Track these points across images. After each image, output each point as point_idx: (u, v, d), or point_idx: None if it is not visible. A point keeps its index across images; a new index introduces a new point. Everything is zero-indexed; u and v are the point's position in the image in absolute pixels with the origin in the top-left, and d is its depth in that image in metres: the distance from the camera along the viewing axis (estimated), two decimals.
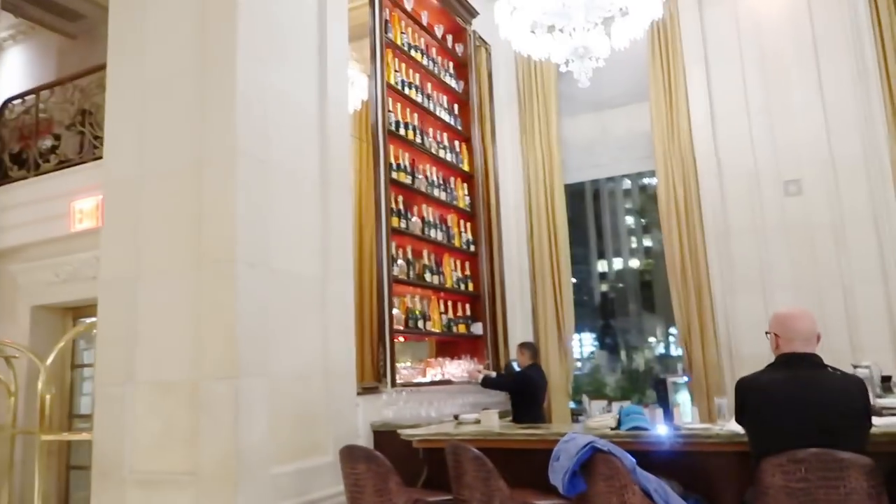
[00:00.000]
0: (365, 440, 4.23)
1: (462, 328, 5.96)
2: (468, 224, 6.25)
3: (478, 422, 3.98)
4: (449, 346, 6.04)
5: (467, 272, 6.13)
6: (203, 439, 3.16)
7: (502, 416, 4.66)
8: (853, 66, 5.77)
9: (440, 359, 5.71)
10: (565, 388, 6.54)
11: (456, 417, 4.32)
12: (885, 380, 4.45)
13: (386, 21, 5.35)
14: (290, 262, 3.60)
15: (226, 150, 3.33)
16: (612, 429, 3.19)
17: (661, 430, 3.08)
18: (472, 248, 6.22)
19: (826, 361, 2.55)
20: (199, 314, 3.28)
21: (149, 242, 3.50)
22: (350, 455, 3.19)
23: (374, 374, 4.58)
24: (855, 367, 4.43)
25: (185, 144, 3.47)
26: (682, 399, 4.21)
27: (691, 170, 6.23)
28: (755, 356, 5.62)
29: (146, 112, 3.63)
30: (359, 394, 4.27)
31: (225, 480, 3.07)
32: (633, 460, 2.69)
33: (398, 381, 4.79)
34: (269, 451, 3.26)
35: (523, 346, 5.58)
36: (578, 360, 8.21)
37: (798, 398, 2.37)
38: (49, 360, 3.81)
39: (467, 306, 6.13)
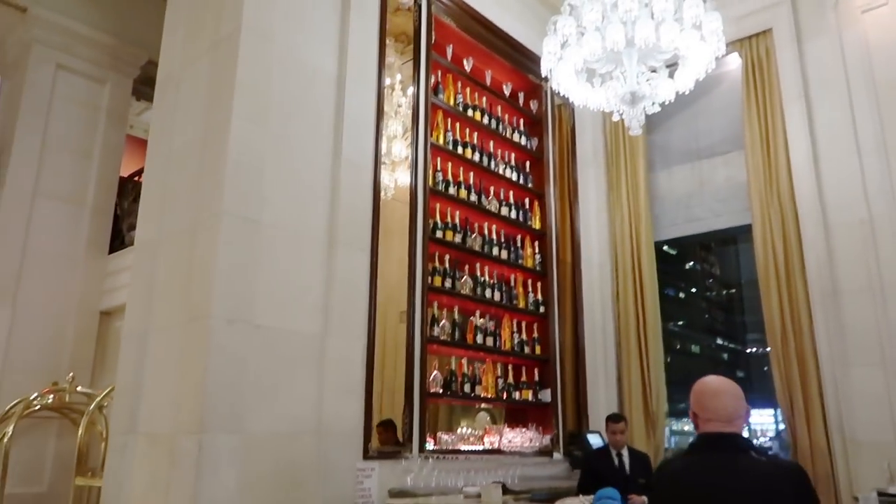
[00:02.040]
0: None
1: (526, 394, 5.61)
2: (538, 284, 5.95)
3: (478, 496, 3.66)
4: (516, 413, 5.71)
5: (535, 335, 5.80)
6: (172, 493, 3.23)
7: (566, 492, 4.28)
8: None
9: (497, 426, 5.40)
10: (655, 464, 5.83)
11: (461, 491, 4.02)
12: None
13: (438, 83, 5.42)
14: (281, 319, 3.65)
15: (213, 213, 3.51)
16: None
17: None
18: (542, 309, 5.90)
19: None
20: (181, 369, 3.42)
21: (157, 299, 3.76)
22: None
23: (399, 438, 4.42)
24: None
25: (188, 208, 3.72)
26: None
27: (791, 220, 5.45)
28: (875, 444, 4.73)
29: (167, 180, 3.96)
30: (373, 458, 4.15)
31: None
32: None
33: (429, 448, 4.58)
34: None
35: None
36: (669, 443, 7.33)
37: (710, 488, 1.88)
38: None
39: (535, 371, 5.77)
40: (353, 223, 4.13)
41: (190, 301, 3.49)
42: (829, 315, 5.14)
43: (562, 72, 4.75)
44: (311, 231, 3.90)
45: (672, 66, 4.61)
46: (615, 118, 4.75)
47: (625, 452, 4.82)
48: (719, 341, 20.00)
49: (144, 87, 7.16)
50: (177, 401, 3.37)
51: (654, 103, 4.64)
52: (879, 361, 4.88)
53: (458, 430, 5.24)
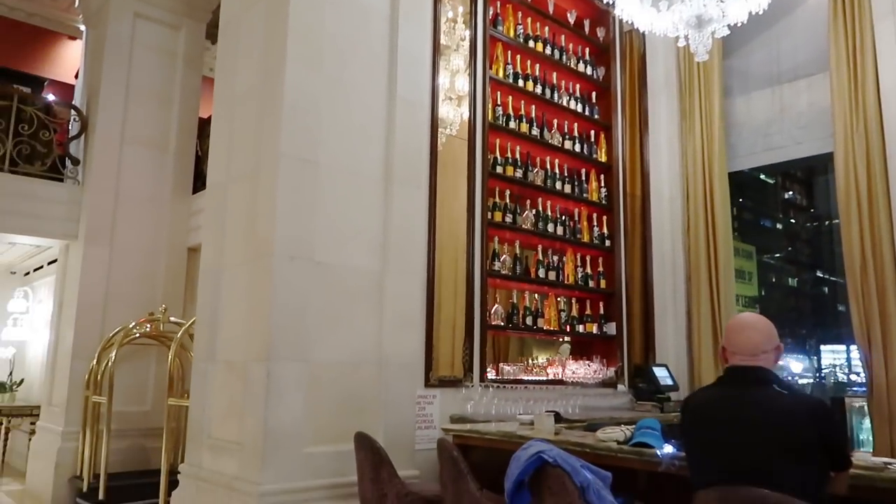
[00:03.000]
0: (439, 432, 4.28)
1: (591, 327, 5.65)
2: (603, 218, 5.89)
3: (531, 424, 3.80)
4: (582, 346, 5.78)
5: (600, 269, 5.79)
6: (245, 415, 3.54)
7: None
8: None
9: (560, 358, 5.49)
10: None
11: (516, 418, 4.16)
12: None
13: (497, 15, 5.31)
14: (341, 256, 3.81)
15: (272, 156, 3.67)
16: (618, 442, 2.84)
17: (667, 449, 2.66)
18: (608, 243, 5.86)
19: None
20: (250, 303, 3.67)
21: (228, 238, 4.00)
22: (358, 442, 3.31)
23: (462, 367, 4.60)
24: None
25: (251, 151, 3.90)
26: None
27: (877, 148, 5.11)
28: None
29: (232, 124, 4.15)
30: (434, 386, 4.36)
31: (256, 452, 3.40)
32: (607, 475, 2.42)
33: (491, 378, 4.75)
34: (303, 431, 3.51)
35: None
36: None
37: (729, 421, 1.90)
38: None
39: (600, 305, 5.79)
40: (409, 161, 4.20)
41: (255, 240, 3.71)
42: None
43: None
44: (368, 170, 4.01)
45: None
46: (681, 44, 4.54)
47: None
48: (819, 274, 19.08)
49: (217, 30, 7.37)
50: (248, 331, 3.64)
51: (724, 26, 4.42)
52: None
53: (525, 362, 5.38)
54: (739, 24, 4.42)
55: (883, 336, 4.90)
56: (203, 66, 7.69)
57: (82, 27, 7.84)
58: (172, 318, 5.93)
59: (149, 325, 5.95)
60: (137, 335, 5.88)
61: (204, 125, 7.17)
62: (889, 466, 2.20)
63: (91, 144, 6.62)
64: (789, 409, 1.88)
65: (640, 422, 2.87)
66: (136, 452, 6.14)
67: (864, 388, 5.05)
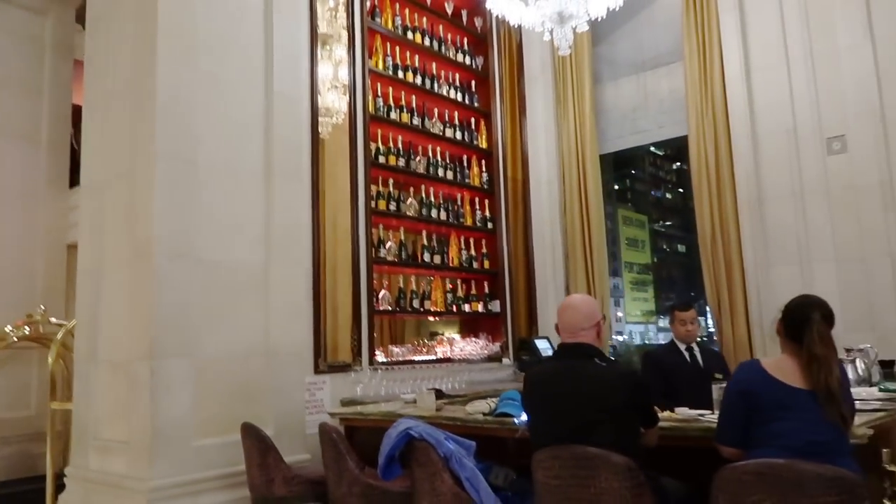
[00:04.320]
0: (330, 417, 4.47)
1: (476, 306, 5.97)
2: (485, 202, 6.20)
3: (415, 402, 4.05)
4: (469, 324, 6.10)
5: (483, 250, 6.11)
6: (131, 413, 3.58)
7: None
8: None
9: (448, 336, 5.79)
10: None
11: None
12: (887, 365, 3.85)
13: (375, 7, 5.44)
14: (223, 251, 3.89)
15: (148, 155, 3.68)
16: (484, 414, 3.14)
17: (523, 417, 2.97)
18: (490, 225, 6.18)
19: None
20: (132, 302, 3.69)
21: (108, 239, 3.97)
22: (244, 431, 3.45)
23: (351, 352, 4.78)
24: (848, 350, 3.89)
25: (126, 151, 3.88)
26: None
27: (723, 130, 5.66)
28: None
29: (106, 123, 4.09)
30: (324, 372, 4.53)
31: (143, 450, 3.46)
32: (471, 444, 2.68)
33: (381, 360, 4.97)
34: (192, 425, 3.61)
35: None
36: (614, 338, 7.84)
37: (556, 390, 2.23)
38: None
39: (485, 284, 6.12)
40: (289, 155, 4.30)
41: (135, 240, 3.71)
42: (754, 221, 5.45)
43: None
44: (248, 165, 4.08)
45: None
46: (546, 37, 4.85)
47: (695, 347, 4.28)
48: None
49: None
50: (131, 331, 3.66)
51: (584, 21, 4.76)
52: (797, 261, 5.24)
53: (413, 343, 5.62)
54: (599, 19, 4.75)
55: (730, 300, 5.49)
56: (75, 52, 7.35)
57: None
58: (53, 319, 5.75)
59: (28, 328, 5.74)
60: (15, 339, 5.66)
61: (80, 114, 6.88)
62: (701, 418, 2.60)
63: None
64: (605, 378, 2.22)
65: (503, 393, 3.17)
66: (22, 459, 5.94)
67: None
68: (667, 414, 2.63)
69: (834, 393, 2.04)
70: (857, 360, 3.65)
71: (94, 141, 4.19)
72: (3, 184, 6.29)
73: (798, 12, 5.37)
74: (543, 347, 6.10)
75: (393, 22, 5.59)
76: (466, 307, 5.91)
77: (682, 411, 2.69)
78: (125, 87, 3.94)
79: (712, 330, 6.07)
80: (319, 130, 4.73)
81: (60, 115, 6.81)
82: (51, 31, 6.85)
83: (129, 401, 3.62)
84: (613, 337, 7.77)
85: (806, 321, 2.18)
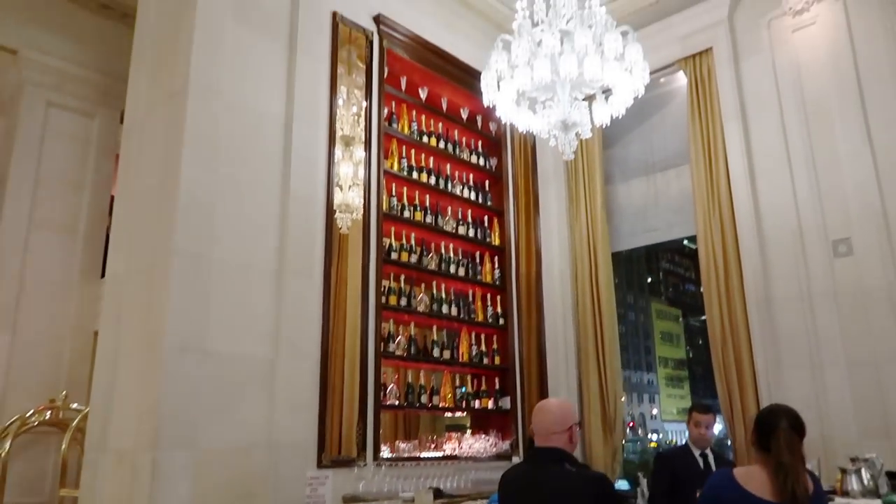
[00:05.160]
0: None
1: (486, 402, 5.97)
2: (497, 297, 6.31)
3: (412, 501, 4.04)
4: (480, 420, 6.07)
5: (494, 346, 6.17)
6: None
7: None
8: None
9: (457, 434, 5.77)
10: (611, 468, 6.17)
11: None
12: (893, 476, 3.73)
13: (392, 114, 5.80)
14: (232, 344, 4.05)
15: (166, 251, 3.92)
16: None
17: None
18: (502, 321, 6.26)
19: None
20: (141, 392, 3.84)
21: (124, 327, 4.18)
22: None
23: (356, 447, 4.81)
24: (853, 460, 3.80)
25: (148, 246, 4.14)
26: None
27: (730, 231, 5.76)
28: (806, 443, 5.02)
29: (132, 220, 4.38)
30: (327, 466, 4.55)
31: None
32: None
33: (385, 456, 4.97)
34: None
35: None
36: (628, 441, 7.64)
37: (524, 494, 2.25)
38: None
39: (495, 380, 6.14)
40: (302, 252, 4.52)
41: (148, 331, 3.91)
42: (763, 321, 5.44)
43: (502, 102, 5.12)
44: (261, 262, 4.30)
45: (608, 92, 4.94)
46: (552, 143, 5.09)
47: (710, 454, 4.23)
48: None
49: None
50: (137, 421, 3.79)
51: (588, 128, 5.00)
52: (808, 364, 5.18)
53: (420, 439, 5.62)
54: (605, 126, 4.99)
55: (742, 406, 5.40)
56: (117, 148, 7.89)
57: None
58: (73, 405, 5.92)
59: (49, 412, 5.92)
60: (36, 423, 5.83)
61: None
62: None
63: None
64: (571, 483, 2.24)
65: (492, 495, 3.17)
66: None
67: None
68: None
69: (801, 502, 2.04)
70: (863, 471, 3.57)
71: (120, 235, 4.48)
72: (40, 273, 6.64)
73: (798, 120, 5.55)
74: None
75: (409, 127, 5.92)
76: (476, 403, 5.91)
77: None
78: (152, 187, 4.24)
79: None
80: (333, 229, 4.95)
81: (99, 208, 7.24)
82: (97, 131, 7.41)
83: (130, 492, 3.70)
84: (650, 436, 7.58)
85: (773, 430, 2.21)
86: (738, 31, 6.08)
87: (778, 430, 2.18)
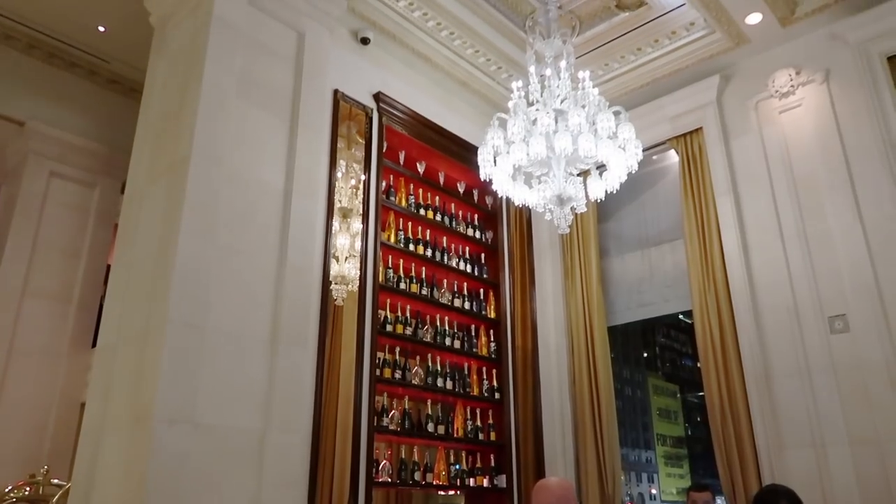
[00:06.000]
0: None
1: (481, 480, 5.80)
2: (492, 371, 6.24)
3: None
4: (474, 499, 5.89)
5: (489, 421, 6.05)
6: None
7: None
8: (893, 185, 5.17)
9: None
10: None
11: None
12: None
13: (390, 187, 5.89)
14: (222, 416, 3.95)
15: (160, 321, 3.89)
16: None
17: None
18: (497, 395, 6.16)
19: None
20: (126, 466, 3.72)
21: (112, 400, 4.08)
22: None
23: None
24: None
25: (141, 315, 4.10)
26: None
27: (726, 305, 5.76)
28: None
29: (127, 289, 4.36)
30: None
31: None
32: None
33: None
34: None
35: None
36: None
37: None
38: None
39: (491, 457, 5.99)
40: (296, 322, 4.48)
41: (137, 403, 3.82)
42: (762, 398, 5.37)
43: (498, 176, 5.21)
44: (254, 332, 4.25)
45: (602, 167, 5.04)
46: (547, 217, 5.15)
47: None
48: None
49: None
50: (121, 498, 3.65)
51: (583, 203, 5.07)
52: (810, 443, 5.08)
53: None
54: (599, 201, 5.05)
55: (745, 486, 5.26)
56: (115, 217, 7.95)
57: None
58: (55, 480, 5.71)
59: (28, 489, 5.70)
60: (14, 500, 5.60)
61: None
62: None
63: None
64: None
65: None
66: None
67: None
68: None
69: None
70: None
71: (113, 304, 4.44)
72: (29, 341, 6.57)
73: (789, 196, 5.66)
74: None
75: (406, 200, 6.01)
76: (471, 481, 5.74)
77: None
78: (148, 256, 4.24)
79: None
80: (328, 300, 4.95)
81: (94, 277, 7.24)
82: (97, 200, 7.49)
83: None
84: None
85: None
86: (726, 112, 6.27)
87: None
